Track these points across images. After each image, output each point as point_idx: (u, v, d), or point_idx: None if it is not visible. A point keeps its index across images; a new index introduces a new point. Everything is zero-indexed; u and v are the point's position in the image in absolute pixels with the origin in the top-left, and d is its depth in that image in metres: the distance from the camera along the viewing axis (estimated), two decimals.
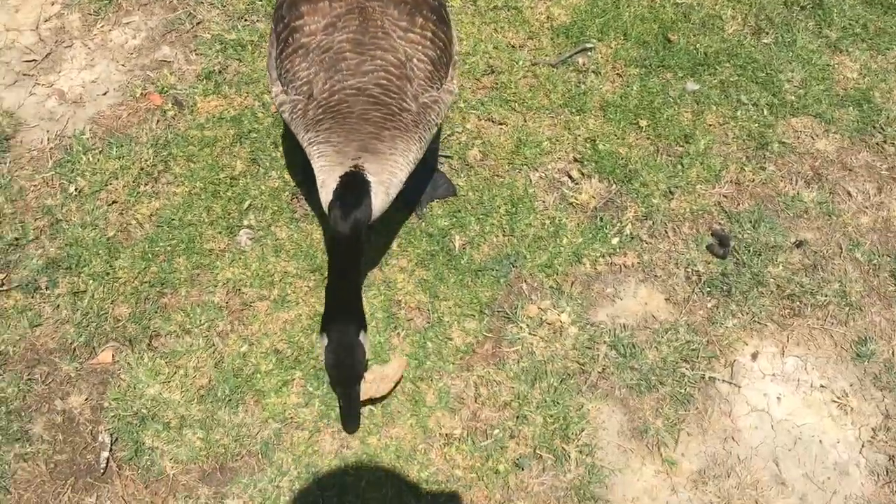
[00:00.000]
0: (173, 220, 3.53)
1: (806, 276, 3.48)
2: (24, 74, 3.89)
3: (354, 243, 2.79)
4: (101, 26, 4.03)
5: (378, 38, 2.87)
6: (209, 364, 3.25)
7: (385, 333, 3.32)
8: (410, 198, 3.54)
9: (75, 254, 3.42)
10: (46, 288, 3.36)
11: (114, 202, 3.56)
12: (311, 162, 2.90)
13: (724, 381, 3.28)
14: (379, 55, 2.85)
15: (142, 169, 3.63)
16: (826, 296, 3.43)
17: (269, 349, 3.28)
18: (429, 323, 3.36)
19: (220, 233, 3.52)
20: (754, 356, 3.33)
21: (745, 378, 3.28)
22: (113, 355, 3.26)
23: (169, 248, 3.47)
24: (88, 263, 3.41)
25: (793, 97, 3.94)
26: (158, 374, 3.21)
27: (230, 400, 3.18)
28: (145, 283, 3.40)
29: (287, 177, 3.66)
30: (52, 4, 4.08)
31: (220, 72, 3.90)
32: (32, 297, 3.35)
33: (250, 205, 3.59)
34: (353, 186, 2.76)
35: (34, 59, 3.93)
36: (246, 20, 4.05)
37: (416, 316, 3.38)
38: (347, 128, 2.82)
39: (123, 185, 3.59)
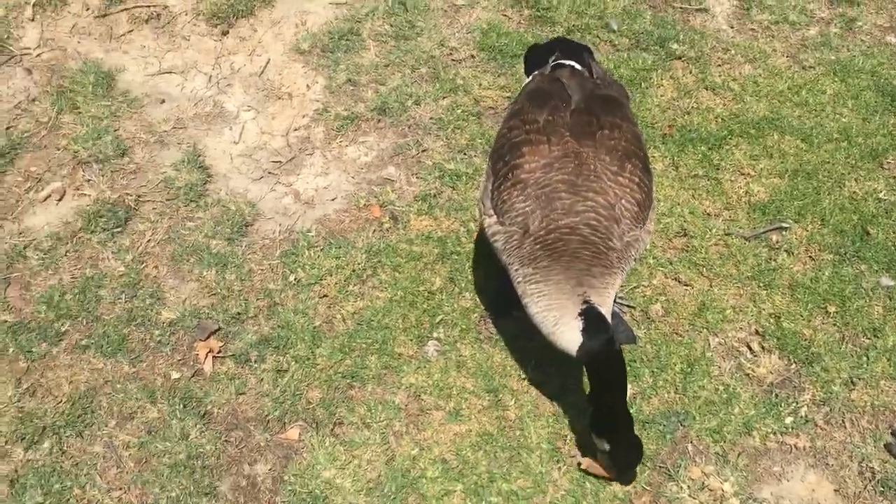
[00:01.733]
0: (372, 321, 3.89)
1: None
2: (270, 173, 4.48)
3: (621, 358, 3.16)
4: (340, 141, 4.58)
5: (591, 180, 3.18)
6: (381, 460, 3.49)
7: (547, 465, 3.46)
8: None
9: (285, 336, 3.83)
10: (255, 361, 3.77)
11: (324, 296, 3.97)
12: (526, 293, 3.20)
13: None
14: (591, 196, 3.16)
15: (353, 271, 4.04)
16: None
17: (438, 457, 3.49)
18: None
19: (411, 340, 3.83)
20: None
21: None
22: (299, 434, 3.58)
23: (364, 346, 3.81)
24: (294, 346, 3.80)
25: None
26: (335, 460, 3.49)
27: (394, 498, 3.39)
28: (339, 373, 3.73)
29: (478, 300, 3.95)
30: (303, 117, 4.70)
31: (434, 196, 4.32)
32: (242, 368, 3.76)
33: (442, 319, 3.89)
34: (597, 317, 3.09)
35: (280, 161, 4.51)
36: (465, 154, 4.49)
37: (579, 454, 3.50)
38: (564, 265, 3.13)
39: (335, 282, 4.01)
